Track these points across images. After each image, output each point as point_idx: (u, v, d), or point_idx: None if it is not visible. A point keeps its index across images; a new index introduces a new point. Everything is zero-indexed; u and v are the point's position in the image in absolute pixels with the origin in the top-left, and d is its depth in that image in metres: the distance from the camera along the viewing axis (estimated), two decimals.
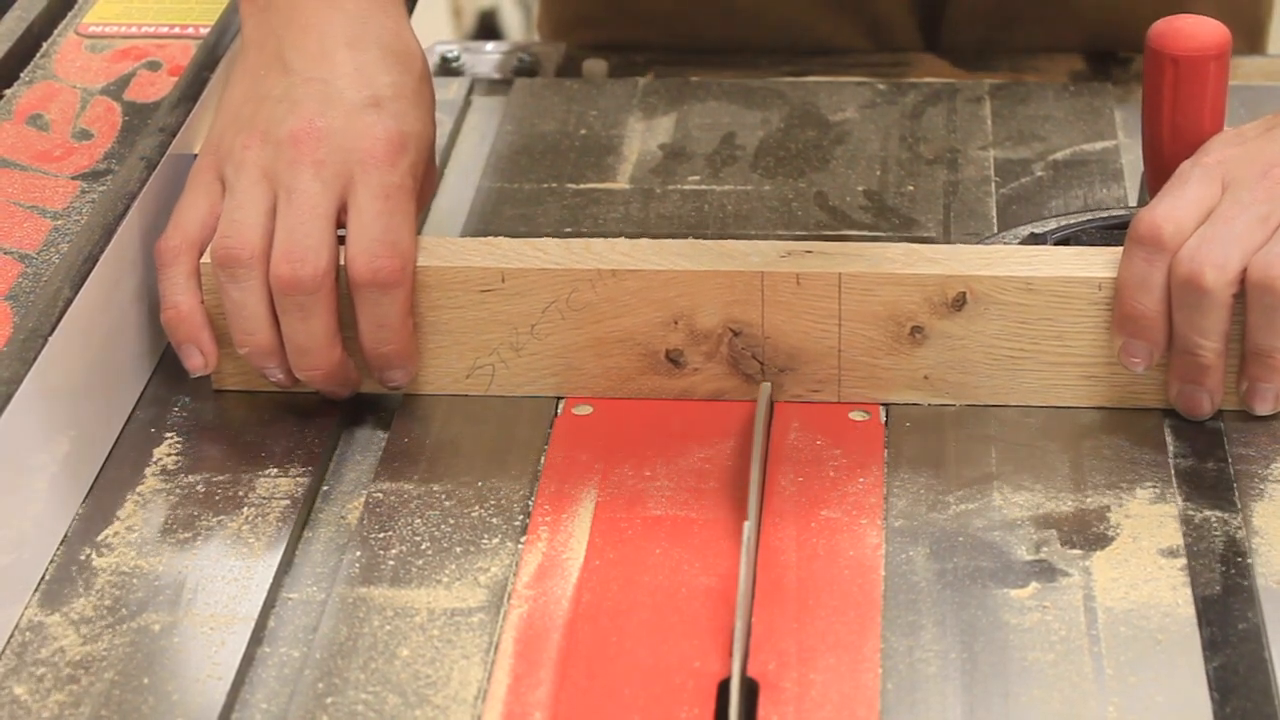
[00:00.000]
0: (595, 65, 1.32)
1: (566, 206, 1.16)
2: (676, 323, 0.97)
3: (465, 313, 0.98)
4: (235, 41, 1.11)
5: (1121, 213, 1.07)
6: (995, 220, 1.14)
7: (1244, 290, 0.93)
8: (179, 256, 0.98)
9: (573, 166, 1.20)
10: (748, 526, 0.87)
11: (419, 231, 0.99)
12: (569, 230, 1.14)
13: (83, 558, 0.91)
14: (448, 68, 1.32)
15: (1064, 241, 1.05)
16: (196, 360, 0.99)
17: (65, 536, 0.92)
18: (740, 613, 0.83)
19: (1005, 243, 1.06)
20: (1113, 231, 1.04)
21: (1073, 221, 1.06)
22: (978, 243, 1.08)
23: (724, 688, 0.82)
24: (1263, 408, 0.96)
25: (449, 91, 1.27)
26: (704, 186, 1.18)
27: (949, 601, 0.87)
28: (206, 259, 0.98)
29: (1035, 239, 1.05)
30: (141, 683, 0.83)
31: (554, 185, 1.18)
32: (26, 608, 0.88)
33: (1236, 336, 0.95)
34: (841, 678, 0.83)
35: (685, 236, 1.13)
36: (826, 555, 0.89)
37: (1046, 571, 0.88)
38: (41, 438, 0.91)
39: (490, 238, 1.00)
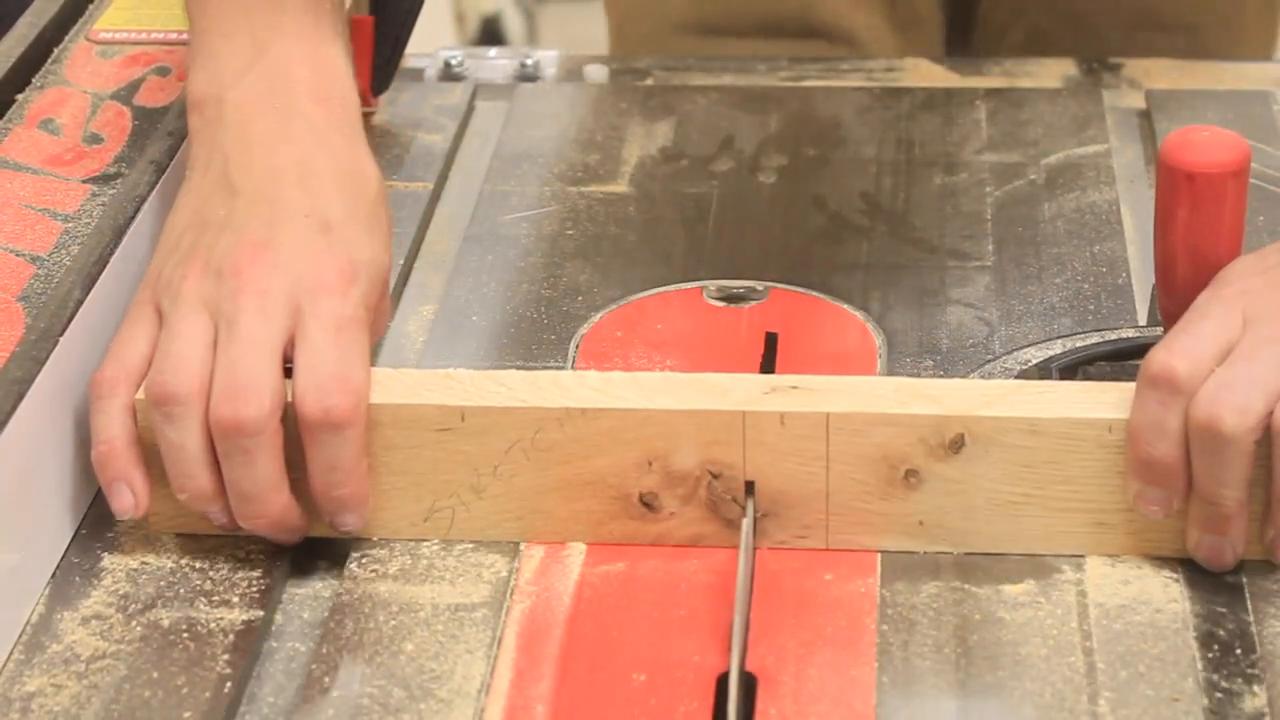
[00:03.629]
0: (596, 70, 1.33)
1: (568, 209, 1.17)
2: (651, 464, 0.89)
3: (422, 452, 0.90)
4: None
5: (1131, 335, 1.01)
6: (990, 222, 1.15)
7: (1268, 435, 0.84)
8: (115, 389, 0.90)
9: (574, 170, 1.21)
10: (745, 523, 0.88)
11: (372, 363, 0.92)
12: (570, 232, 1.15)
13: (93, 554, 0.92)
14: (450, 73, 1.33)
15: (1070, 369, 0.98)
16: (126, 500, 0.89)
17: (75, 533, 0.93)
18: (739, 608, 0.84)
19: (1005, 369, 1.01)
20: (1124, 363, 0.97)
21: (1079, 346, 1.00)
22: (976, 371, 1.02)
23: (723, 682, 0.83)
24: None
25: (452, 97, 1.28)
26: (703, 190, 1.19)
27: (944, 597, 0.88)
28: (141, 393, 0.90)
29: (1039, 369, 0.99)
30: (151, 677, 0.84)
31: (555, 188, 1.19)
32: (37, 604, 0.89)
33: (1261, 481, 0.86)
34: (838, 672, 0.84)
35: (685, 239, 1.14)
36: (823, 550, 0.90)
37: (1040, 568, 0.89)
38: (53, 436, 0.92)
39: (449, 370, 0.91)
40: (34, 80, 1.12)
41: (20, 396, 0.89)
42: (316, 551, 0.92)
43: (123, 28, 1.16)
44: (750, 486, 0.90)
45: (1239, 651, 0.85)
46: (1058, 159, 1.21)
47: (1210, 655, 0.85)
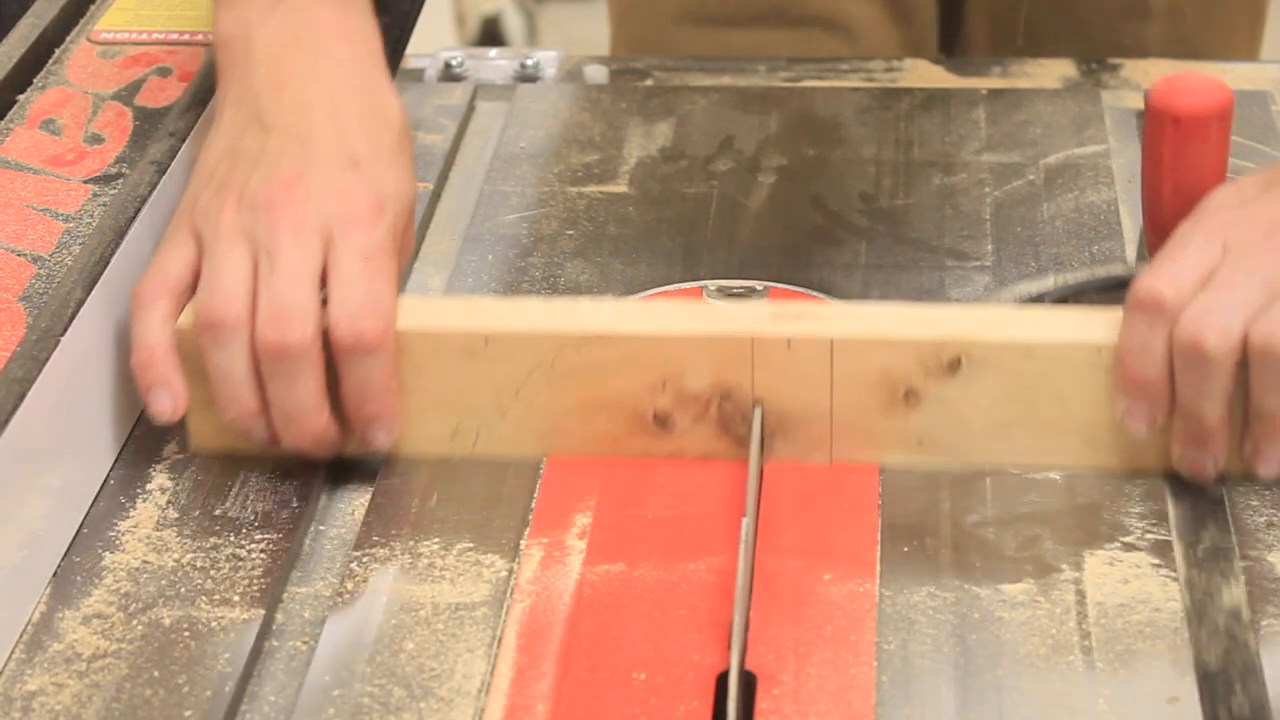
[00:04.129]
0: (596, 71, 1.34)
1: (567, 209, 1.18)
2: (664, 386, 0.95)
3: (448, 376, 0.95)
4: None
5: (1121, 271, 1.05)
6: (989, 222, 1.15)
7: (1245, 355, 0.90)
8: (156, 299, 0.95)
9: (574, 170, 1.22)
10: (745, 522, 0.89)
11: (401, 290, 0.97)
12: (570, 232, 1.15)
13: (94, 553, 0.92)
14: (451, 74, 1.33)
15: (1062, 301, 1.02)
16: (165, 404, 0.95)
17: (77, 533, 0.93)
18: (738, 607, 0.85)
19: (1001, 301, 1.04)
20: (1113, 292, 1.02)
21: (1071, 281, 1.04)
22: (974, 301, 1.07)
23: (722, 681, 0.84)
24: (1267, 470, 0.93)
25: (452, 97, 1.28)
26: (703, 190, 1.19)
27: (942, 596, 0.88)
28: (185, 321, 0.95)
29: (1033, 299, 1.03)
30: (152, 676, 0.85)
31: (555, 189, 1.20)
32: (39, 603, 0.89)
33: (1240, 398, 0.92)
34: (838, 670, 0.84)
35: (685, 239, 1.15)
36: (822, 550, 0.91)
37: (1039, 567, 0.90)
38: (54, 435, 0.92)
39: (474, 298, 0.98)
40: (35, 81, 1.13)
41: (22, 396, 0.89)
42: (319, 551, 0.93)
43: (124, 28, 1.17)
44: (759, 411, 0.94)
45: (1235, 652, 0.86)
46: (1057, 159, 1.21)
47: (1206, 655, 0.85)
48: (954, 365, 0.93)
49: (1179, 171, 0.97)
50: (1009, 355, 0.93)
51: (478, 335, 0.95)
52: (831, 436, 0.95)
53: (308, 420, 0.94)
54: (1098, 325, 0.94)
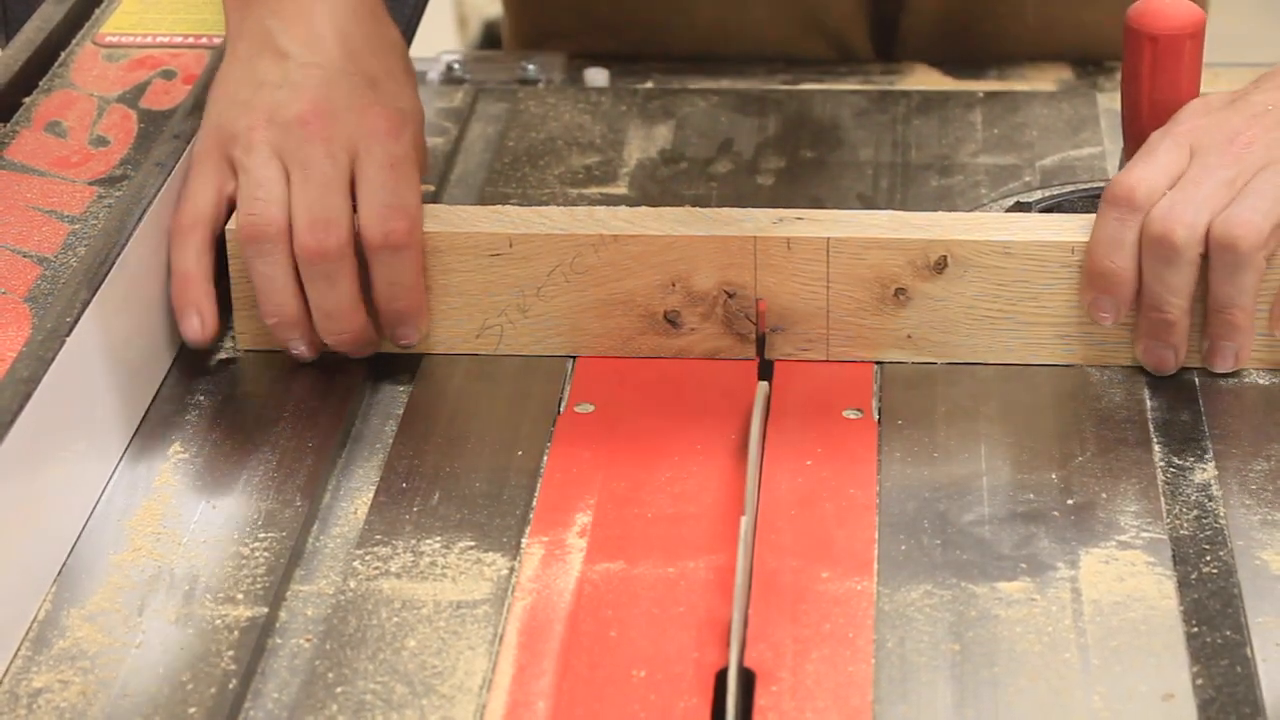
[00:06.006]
0: (596, 74, 1.34)
1: None
2: (674, 285, 1.02)
3: (475, 276, 1.03)
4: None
5: (1100, 185, 1.12)
6: None
7: (1207, 249, 0.98)
8: (194, 230, 1.02)
9: (574, 172, 1.22)
10: (745, 521, 0.89)
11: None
12: None
13: (98, 551, 0.92)
14: (452, 76, 1.33)
15: (1047, 211, 1.09)
16: (194, 325, 1.03)
17: (82, 531, 0.93)
18: (737, 605, 0.85)
19: (989, 209, 1.11)
20: (1093, 200, 1.09)
21: (1055, 192, 1.12)
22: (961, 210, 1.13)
23: (722, 677, 0.84)
24: (1223, 365, 1.02)
25: (453, 100, 1.29)
26: (702, 192, 1.20)
27: (940, 594, 0.89)
28: (233, 225, 1.02)
29: (1020, 207, 1.10)
30: (156, 673, 0.85)
31: (556, 191, 1.20)
32: (44, 601, 0.89)
33: (1200, 298, 1.00)
34: (836, 668, 0.84)
35: None
36: (821, 549, 0.91)
37: (1035, 565, 0.90)
38: (59, 436, 0.92)
39: (498, 206, 1.05)
40: (41, 83, 1.13)
41: (27, 397, 0.89)
42: (322, 550, 0.93)
43: (129, 31, 1.17)
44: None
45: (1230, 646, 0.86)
46: (1053, 161, 1.21)
47: (1198, 646, 0.86)
48: (940, 264, 1.01)
49: (1156, 87, 1.05)
50: (990, 254, 1.01)
51: (503, 236, 1.02)
52: (828, 334, 1.02)
53: (348, 318, 1.02)
54: (1071, 227, 1.02)
